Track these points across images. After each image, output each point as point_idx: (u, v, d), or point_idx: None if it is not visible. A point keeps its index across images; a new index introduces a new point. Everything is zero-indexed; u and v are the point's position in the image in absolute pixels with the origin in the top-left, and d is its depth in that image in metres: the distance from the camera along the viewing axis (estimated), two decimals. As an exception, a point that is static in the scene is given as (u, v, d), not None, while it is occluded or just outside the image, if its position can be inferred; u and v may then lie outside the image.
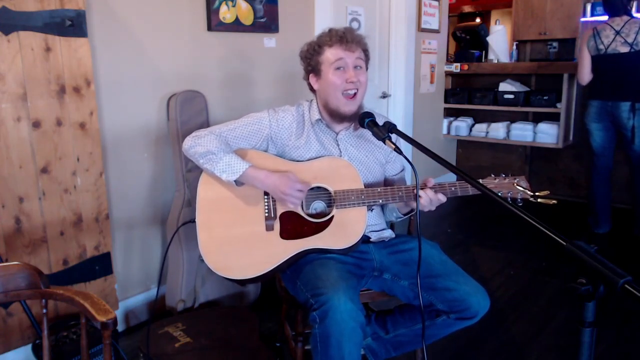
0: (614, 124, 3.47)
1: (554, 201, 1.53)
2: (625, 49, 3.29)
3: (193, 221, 1.71)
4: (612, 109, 3.42)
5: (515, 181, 1.64)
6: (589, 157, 3.82)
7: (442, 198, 1.64)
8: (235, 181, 1.64)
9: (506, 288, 2.85)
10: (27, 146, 1.90)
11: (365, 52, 1.77)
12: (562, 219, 3.95)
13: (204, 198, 1.71)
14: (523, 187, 1.61)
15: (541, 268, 3.10)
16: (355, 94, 1.71)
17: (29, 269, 1.25)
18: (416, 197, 1.54)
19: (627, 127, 3.39)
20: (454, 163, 5.01)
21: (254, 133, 1.76)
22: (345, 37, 1.70)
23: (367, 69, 1.78)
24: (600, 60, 3.40)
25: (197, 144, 1.68)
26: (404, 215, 1.83)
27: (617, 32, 3.30)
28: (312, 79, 1.79)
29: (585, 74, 3.49)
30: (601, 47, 3.37)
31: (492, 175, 1.67)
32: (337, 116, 1.76)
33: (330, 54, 1.71)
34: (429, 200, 1.62)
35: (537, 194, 1.58)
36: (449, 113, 4.79)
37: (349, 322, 1.44)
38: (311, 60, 1.75)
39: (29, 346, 1.98)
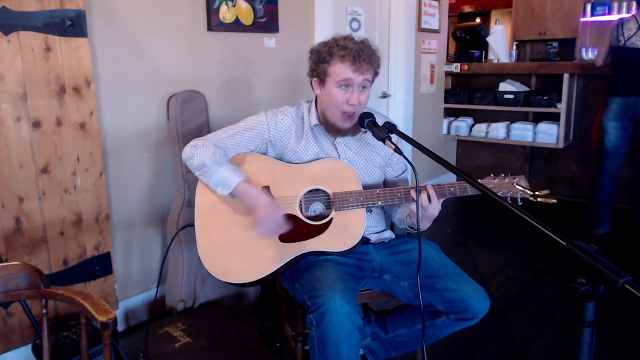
0: (634, 121, 3.43)
1: (554, 200, 1.53)
2: None
3: (192, 225, 1.71)
4: (635, 105, 3.37)
5: (515, 181, 1.62)
6: (589, 157, 3.81)
7: (438, 199, 1.61)
8: (230, 193, 1.63)
9: (506, 288, 2.85)
10: (27, 146, 1.90)
11: (377, 71, 1.69)
12: (562, 219, 3.95)
13: (203, 202, 1.70)
14: (523, 187, 1.60)
15: (541, 268, 3.10)
16: (353, 113, 1.68)
17: (29, 269, 1.25)
18: (416, 198, 1.53)
19: None
20: (454, 163, 5.01)
21: (253, 138, 1.74)
22: (360, 57, 1.60)
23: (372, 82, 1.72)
24: (618, 52, 3.39)
25: (193, 155, 1.66)
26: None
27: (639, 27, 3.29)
28: (315, 83, 1.74)
29: (601, 57, 3.52)
30: (621, 38, 3.35)
31: (492, 175, 1.66)
32: (333, 128, 1.76)
33: (339, 70, 1.63)
34: (427, 200, 1.60)
35: (536, 193, 1.57)
36: (449, 113, 4.79)
37: (345, 324, 1.44)
38: (319, 66, 1.68)
39: (29, 346, 1.98)
